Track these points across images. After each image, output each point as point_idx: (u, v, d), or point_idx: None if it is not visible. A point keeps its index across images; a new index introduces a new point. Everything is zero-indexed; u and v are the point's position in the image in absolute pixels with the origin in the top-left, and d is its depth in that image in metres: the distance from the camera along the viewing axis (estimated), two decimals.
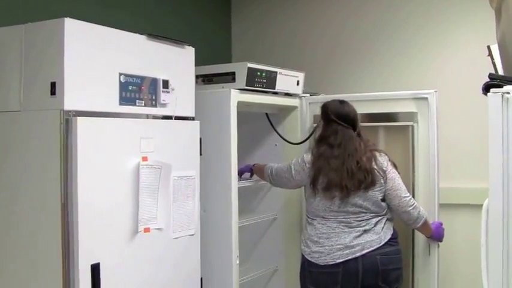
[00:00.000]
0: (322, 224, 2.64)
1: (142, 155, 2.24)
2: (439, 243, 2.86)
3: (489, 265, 1.59)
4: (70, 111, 2.00)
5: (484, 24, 2.45)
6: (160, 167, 2.29)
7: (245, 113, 2.94)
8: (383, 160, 2.68)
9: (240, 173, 3.08)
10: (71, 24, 2.01)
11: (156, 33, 2.39)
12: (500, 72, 2.01)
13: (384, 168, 2.65)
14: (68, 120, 1.99)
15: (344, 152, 2.62)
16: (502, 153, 1.55)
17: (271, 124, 3.29)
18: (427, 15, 3.51)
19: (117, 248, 2.16)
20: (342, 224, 2.61)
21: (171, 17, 3.60)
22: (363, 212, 2.61)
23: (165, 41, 2.42)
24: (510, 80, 1.68)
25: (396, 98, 3.00)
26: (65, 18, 2.00)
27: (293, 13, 4.00)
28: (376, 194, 2.63)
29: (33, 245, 2.09)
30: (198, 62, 2.62)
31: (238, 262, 2.79)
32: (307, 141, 3.09)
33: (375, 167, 2.63)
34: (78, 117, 2.00)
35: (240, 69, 2.82)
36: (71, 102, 2.00)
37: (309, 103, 3.25)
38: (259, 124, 3.33)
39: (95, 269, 2.04)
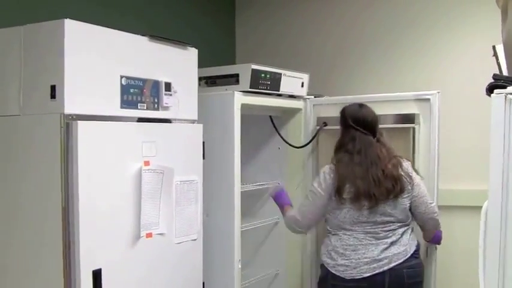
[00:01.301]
0: (349, 235, 2.54)
1: (144, 159, 2.20)
2: (437, 245, 2.83)
3: (486, 266, 1.58)
4: (70, 115, 1.96)
5: (490, 24, 2.42)
6: (163, 171, 2.26)
7: (248, 115, 2.90)
8: (408, 166, 2.61)
9: (275, 197, 2.91)
10: (71, 26, 1.97)
11: (159, 35, 2.35)
12: (505, 72, 1.97)
13: (410, 174, 2.59)
14: (68, 124, 1.96)
15: (366, 159, 2.52)
16: (502, 154, 1.52)
17: (275, 127, 3.25)
18: (433, 17, 3.49)
19: (119, 254, 2.13)
20: (369, 235, 2.52)
21: (174, 19, 3.57)
22: (391, 222, 2.53)
23: (167, 42, 2.37)
24: None
25: (398, 99, 2.95)
26: (65, 20, 1.95)
27: (297, 15, 3.98)
28: (405, 201, 2.55)
29: (34, 250, 2.06)
30: (201, 64, 2.58)
31: (240, 266, 2.77)
32: (310, 144, 3.05)
33: (402, 173, 2.55)
34: (79, 121, 1.96)
35: (244, 71, 2.79)
36: (71, 106, 1.96)
37: (313, 105, 3.22)
38: (262, 127, 3.30)
39: (97, 275, 2.02)
